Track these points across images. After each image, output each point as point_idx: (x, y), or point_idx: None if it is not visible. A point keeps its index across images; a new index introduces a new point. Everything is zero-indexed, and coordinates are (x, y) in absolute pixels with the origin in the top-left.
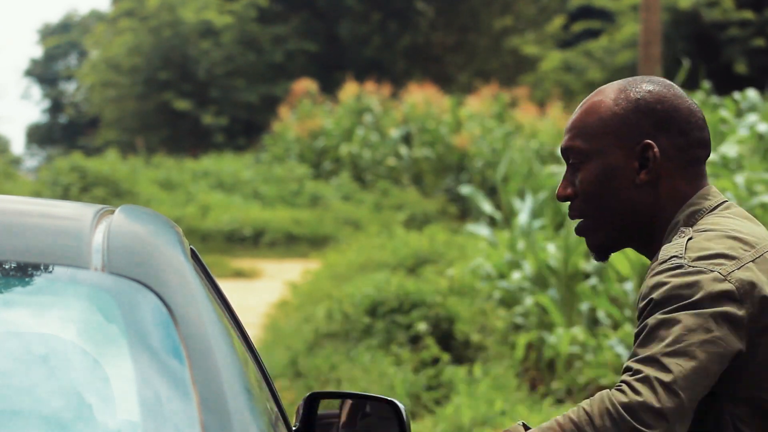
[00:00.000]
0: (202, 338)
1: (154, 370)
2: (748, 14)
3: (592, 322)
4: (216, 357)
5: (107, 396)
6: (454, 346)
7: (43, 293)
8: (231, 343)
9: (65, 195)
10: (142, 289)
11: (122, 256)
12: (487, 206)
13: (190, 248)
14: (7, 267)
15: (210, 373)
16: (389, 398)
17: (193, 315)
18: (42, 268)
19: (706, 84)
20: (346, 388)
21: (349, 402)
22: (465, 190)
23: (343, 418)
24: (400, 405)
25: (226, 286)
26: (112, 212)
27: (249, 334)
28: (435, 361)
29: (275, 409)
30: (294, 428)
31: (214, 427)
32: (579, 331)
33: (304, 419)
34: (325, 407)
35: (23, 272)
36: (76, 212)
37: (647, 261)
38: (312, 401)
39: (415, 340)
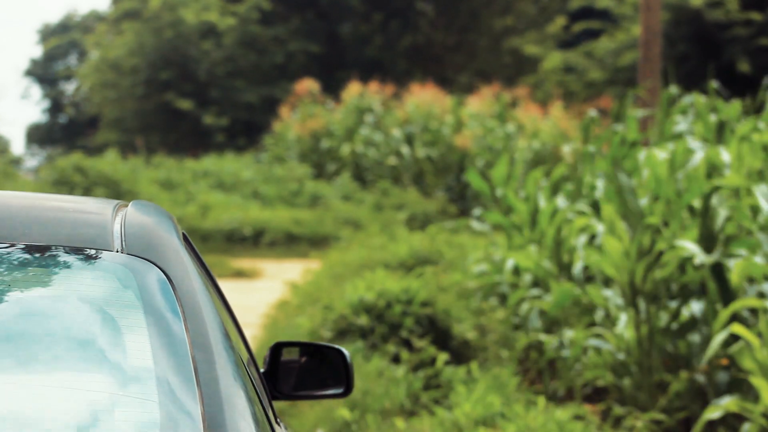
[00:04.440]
0: (192, 299)
1: (159, 320)
2: (755, 15)
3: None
4: (202, 311)
5: (126, 337)
6: (453, 345)
7: (78, 269)
8: (212, 303)
9: (70, 194)
10: (150, 265)
11: (135, 241)
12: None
13: (182, 233)
14: (50, 251)
15: (198, 322)
16: (337, 346)
17: (185, 283)
18: (76, 251)
19: (714, 84)
20: None
21: (305, 349)
22: (474, 180)
23: (302, 363)
24: (346, 352)
25: (226, 285)
26: (126, 206)
27: (241, 323)
28: (434, 361)
29: (247, 354)
30: (262, 371)
31: (202, 359)
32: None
33: (270, 364)
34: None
35: (63, 254)
36: (98, 207)
37: None
38: (276, 349)
39: (412, 340)
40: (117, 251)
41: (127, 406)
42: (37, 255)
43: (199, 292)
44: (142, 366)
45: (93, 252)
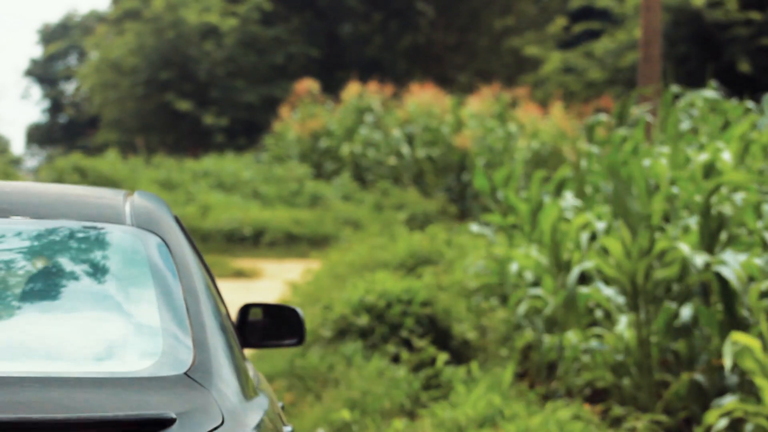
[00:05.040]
0: (183, 259)
1: (160, 273)
2: (755, 15)
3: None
4: (191, 269)
5: (136, 285)
6: (453, 345)
7: (102, 237)
8: (199, 265)
9: None
10: (152, 234)
11: (140, 218)
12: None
13: (175, 215)
14: (78, 225)
15: (188, 276)
16: (291, 306)
17: (178, 248)
18: (99, 226)
19: (713, 84)
20: (344, 389)
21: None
22: (479, 181)
23: (266, 322)
24: (299, 310)
25: (226, 285)
26: (132, 194)
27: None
28: (434, 361)
29: (225, 311)
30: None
31: (192, 303)
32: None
33: (240, 321)
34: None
35: (91, 228)
36: (112, 195)
37: None
38: (245, 310)
39: (412, 340)
40: (128, 225)
41: (131, 339)
42: (72, 228)
43: (188, 255)
44: (147, 307)
45: (110, 226)
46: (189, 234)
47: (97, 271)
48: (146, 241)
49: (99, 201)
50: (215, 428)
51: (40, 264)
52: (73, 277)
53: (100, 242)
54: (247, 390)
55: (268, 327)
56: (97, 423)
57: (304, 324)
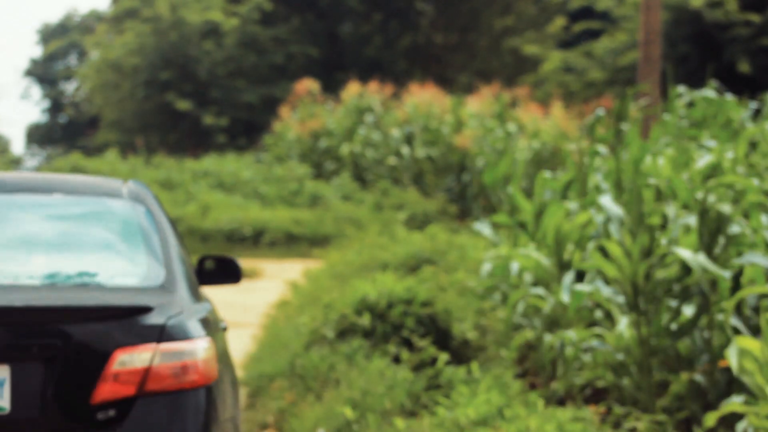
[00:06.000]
0: (162, 222)
1: (145, 230)
2: (754, 17)
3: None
4: (165, 229)
5: (129, 235)
6: (454, 346)
7: (103, 206)
8: (171, 227)
9: None
10: (140, 205)
11: (132, 195)
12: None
13: (155, 195)
14: (88, 197)
15: (163, 233)
16: (232, 257)
17: (157, 215)
18: (104, 198)
19: (713, 84)
20: (344, 389)
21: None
22: (488, 175)
23: (216, 268)
24: (237, 261)
25: (226, 285)
26: (127, 181)
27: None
28: (434, 360)
29: (187, 258)
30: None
31: (164, 247)
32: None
33: (198, 269)
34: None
35: (96, 199)
36: (114, 181)
37: None
38: (201, 261)
39: (412, 340)
40: (125, 199)
41: (127, 266)
42: (92, 200)
43: (164, 220)
44: (136, 249)
45: (111, 198)
46: (164, 208)
47: (106, 226)
48: (136, 209)
49: (107, 184)
50: (177, 314)
51: (72, 220)
52: (91, 228)
53: (108, 208)
54: (198, 298)
55: (216, 272)
56: (99, 309)
57: (240, 270)
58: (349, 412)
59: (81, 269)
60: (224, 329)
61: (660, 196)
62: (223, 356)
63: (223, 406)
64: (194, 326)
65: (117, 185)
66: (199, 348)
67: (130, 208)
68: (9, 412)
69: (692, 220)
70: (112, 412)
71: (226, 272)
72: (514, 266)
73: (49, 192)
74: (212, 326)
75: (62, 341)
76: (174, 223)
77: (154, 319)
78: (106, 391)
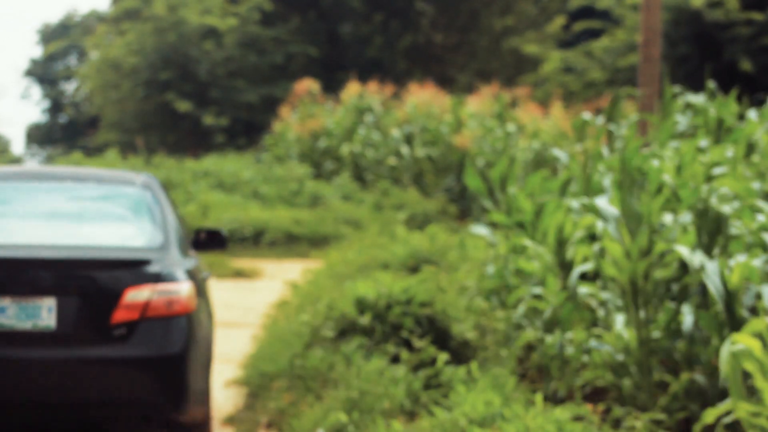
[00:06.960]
0: (165, 203)
1: (152, 208)
2: (757, 15)
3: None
4: (167, 209)
5: (138, 211)
6: (453, 345)
7: (122, 191)
8: (174, 209)
9: None
10: (149, 191)
11: (144, 183)
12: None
13: (162, 185)
14: (112, 185)
15: (166, 212)
16: (219, 229)
17: (163, 199)
18: (122, 186)
19: (711, 83)
20: (343, 389)
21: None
22: (471, 180)
23: (208, 238)
24: (224, 231)
25: (226, 285)
26: (140, 173)
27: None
28: (434, 361)
29: (184, 230)
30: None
31: (165, 222)
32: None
33: (194, 239)
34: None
35: (117, 186)
36: (130, 173)
37: None
38: (197, 233)
39: (412, 340)
40: (138, 186)
41: (136, 232)
42: (112, 187)
43: (166, 203)
44: (143, 220)
45: (126, 185)
46: (169, 194)
47: (123, 205)
48: (145, 194)
49: (126, 176)
50: (169, 265)
51: (99, 200)
52: (112, 207)
53: (125, 193)
54: (186, 256)
55: (208, 241)
56: (116, 261)
57: (226, 239)
58: (343, 416)
59: (104, 234)
60: (206, 278)
61: (660, 195)
62: (201, 295)
63: (199, 328)
64: (180, 273)
65: (133, 177)
66: (183, 288)
67: (140, 193)
68: (55, 329)
69: (688, 218)
70: (123, 330)
71: (215, 241)
72: (515, 266)
73: (85, 181)
74: (195, 275)
75: (91, 282)
76: (175, 204)
77: (152, 268)
78: (119, 316)
